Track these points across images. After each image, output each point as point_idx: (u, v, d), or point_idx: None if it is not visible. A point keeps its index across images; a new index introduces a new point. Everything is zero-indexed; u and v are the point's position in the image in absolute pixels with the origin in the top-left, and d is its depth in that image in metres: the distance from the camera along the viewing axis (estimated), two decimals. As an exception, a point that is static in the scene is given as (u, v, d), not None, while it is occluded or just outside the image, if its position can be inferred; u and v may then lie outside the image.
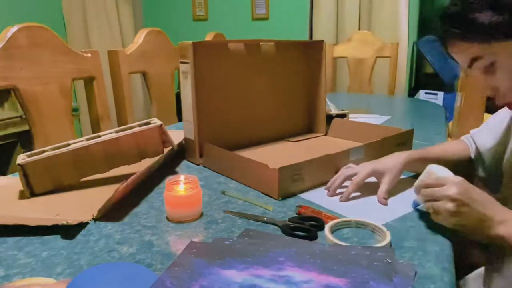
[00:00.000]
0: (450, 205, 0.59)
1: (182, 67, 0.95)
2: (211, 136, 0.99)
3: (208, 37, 2.04)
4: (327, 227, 0.62)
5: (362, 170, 0.79)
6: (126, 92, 1.49)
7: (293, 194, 0.79)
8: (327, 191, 0.80)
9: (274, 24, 3.33)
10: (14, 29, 1.11)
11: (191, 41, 0.91)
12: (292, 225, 0.64)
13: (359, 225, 0.65)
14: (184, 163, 1.01)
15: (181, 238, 0.63)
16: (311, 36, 3.16)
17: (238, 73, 1.06)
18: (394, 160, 0.79)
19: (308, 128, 1.26)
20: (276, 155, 1.04)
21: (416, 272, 0.52)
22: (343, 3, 2.96)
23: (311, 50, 1.19)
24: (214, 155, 0.94)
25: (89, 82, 1.38)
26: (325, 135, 1.23)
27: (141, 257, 0.57)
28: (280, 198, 0.77)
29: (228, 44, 1.03)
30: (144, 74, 1.62)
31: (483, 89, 0.68)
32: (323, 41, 1.17)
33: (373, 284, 0.47)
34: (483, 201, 0.60)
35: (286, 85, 1.18)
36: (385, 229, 0.61)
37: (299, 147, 1.12)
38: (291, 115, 1.22)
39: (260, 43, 1.10)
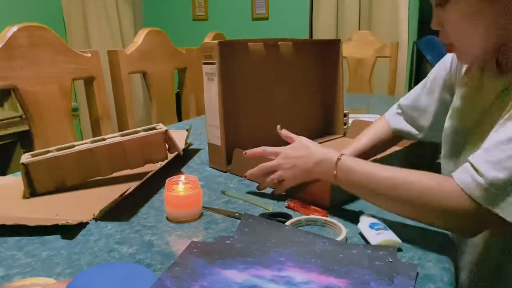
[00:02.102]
0: (275, 175, 0.74)
1: (206, 68, 0.89)
2: (237, 142, 0.93)
3: (208, 37, 2.04)
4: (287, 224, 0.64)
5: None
6: (126, 92, 1.49)
7: (345, 202, 0.74)
8: None
9: (274, 24, 3.33)
10: (14, 29, 1.11)
11: (217, 41, 0.86)
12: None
13: (309, 221, 0.66)
14: (184, 163, 1.01)
15: (181, 238, 0.63)
16: (311, 36, 3.16)
17: (259, 74, 1.02)
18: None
19: (325, 130, 1.22)
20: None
21: (417, 273, 0.52)
22: (343, 3, 2.96)
23: (328, 49, 1.16)
24: (246, 161, 0.85)
25: (89, 82, 1.38)
26: (343, 136, 1.20)
27: (141, 257, 0.57)
28: (331, 206, 0.72)
29: (248, 43, 0.98)
30: (144, 74, 1.62)
31: (432, 23, 0.65)
32: (339, 40, 1.15)
33: (374, 285, 0.47)
34: (306, 154, 0.70)
35: (303, 85, 1.15)
36: (340, 225, 0.63)
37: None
38: (308, 117, 1.18)
39: (279, 43, 1.06)
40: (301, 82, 1.14)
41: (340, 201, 0.74)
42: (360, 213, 0.66)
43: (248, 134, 0.98)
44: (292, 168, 0.72)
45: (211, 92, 0.90)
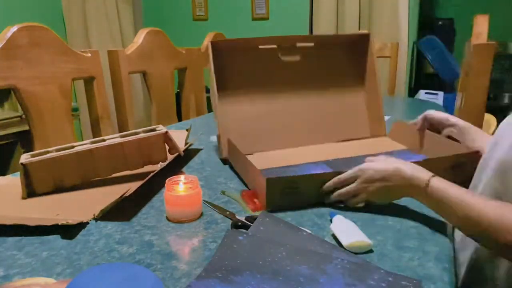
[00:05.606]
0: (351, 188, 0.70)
1: (209, 65, 1.00)
2: (241, 134, 1.00)
3: (208, 37, 2.04)
4: None
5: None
6: (126, 92, 1.49)
7: (284, 209, 0.70)
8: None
9: (274, 24, 3.33)
10: (14, 29, 1.11)
11: (210, 41, 0.96)
12: (239, 224, 0.66)
13: None
14: (184, 163, 1.01)
15: (181, 238, 0.63)
16: (311, 36, 3.16)
17: (271, 70, 1.07)
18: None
19: (354, 131, 1.14)
20: (315, 155, 0.97)
21: None
22: (343, 3, 2.96)
23: (355, 45, 1.12)
24: (233, 153, 0.92)
25: (89, 82, 1.38)
26: (385, 136, 1.12)
27: (141, 257, 0.57)
28: (268, 210, 0.69)
29: (259, 41, 1.03)
30: (144, 74, 1.62)
31: None
32: (369, 33, 1.10)
33: None
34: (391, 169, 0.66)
35: (321, 83, 1.12)
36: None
37: (343, 149, 1.04)
38: (329, 116, 1.12)
39: (297, 43, 1.07)
40: (318, 79, 1.11)
41: (276, 206, 0.70)
42: (333, 214, 0.66)
43: (248, 126, 1.05)
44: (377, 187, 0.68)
45: (212, 87, 1.00)
